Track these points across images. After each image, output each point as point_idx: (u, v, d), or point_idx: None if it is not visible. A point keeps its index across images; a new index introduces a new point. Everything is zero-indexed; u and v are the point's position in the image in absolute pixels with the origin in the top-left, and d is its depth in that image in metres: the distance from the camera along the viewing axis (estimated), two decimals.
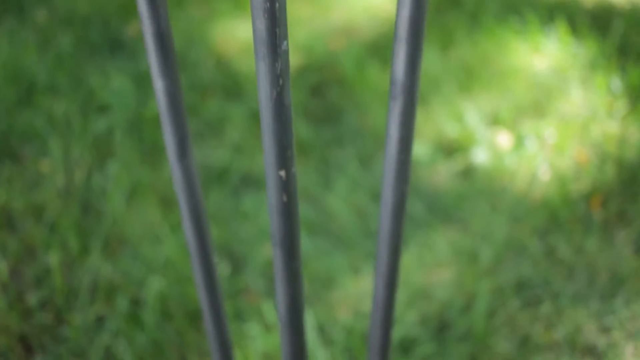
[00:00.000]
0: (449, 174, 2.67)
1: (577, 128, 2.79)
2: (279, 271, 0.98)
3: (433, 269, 2.33)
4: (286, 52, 0.80)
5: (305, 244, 2.38)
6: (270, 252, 2.38)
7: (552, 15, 3.36)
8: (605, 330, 2.14)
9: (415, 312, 2.18)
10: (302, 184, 2.61)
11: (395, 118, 0.93)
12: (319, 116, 2.97)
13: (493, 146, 2.75)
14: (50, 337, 2.13)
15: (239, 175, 2.68)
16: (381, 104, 2.97)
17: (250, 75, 3.15)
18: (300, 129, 2.84)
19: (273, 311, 2.16)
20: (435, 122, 2.87)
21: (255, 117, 2.93)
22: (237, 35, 3.41)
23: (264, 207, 2.53)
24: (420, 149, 2.73)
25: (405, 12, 0.87)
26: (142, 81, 3.08)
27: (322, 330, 2.13)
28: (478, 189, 2.59)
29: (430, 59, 3.16)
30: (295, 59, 3.22)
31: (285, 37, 0.79)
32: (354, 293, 2.26)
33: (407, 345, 2.10)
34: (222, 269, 2.29)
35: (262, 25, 0.77)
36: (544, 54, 3.20)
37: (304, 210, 2.51)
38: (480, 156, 2.71)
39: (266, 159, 0.88)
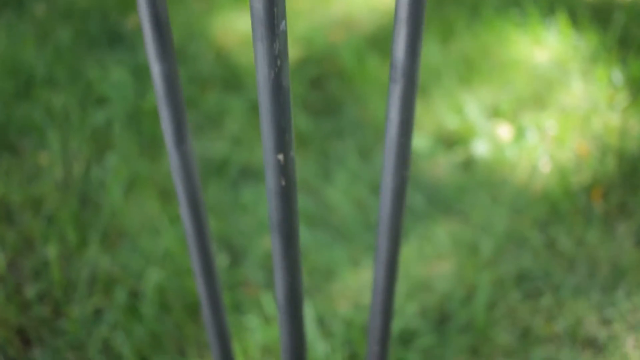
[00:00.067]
0: (449, 166, 2.65)
1: (578, 120, 2.78)
2: (277, 258, 0.97)
3: (433, 260, 2.32)
4: (284, 33, 0.79)
5: (305, 236, 2.37)
6: (269, 244, 2.37)
7: (552, 7, 3.35)
8: (606, 322, 2.13)
9: (416, 304, 2.17)
10: (302, 176, 2.59)
11: (396, 101, 0.92)
12: (318, 108, 2.95)
13: (493, 138, 2.74)
14: (48, 330, 2.11)
15: (238, 167, 2.66)
16: (381, 97, 2.96)
17: (250, 67, 3.14)
18: (300, 121, 2.83)
19: (272, 303, 2.15)
20: (436, 114, 2.86)
21: (254, 109, 2.92)
22: (237, 28, 3.40)
23: (263, 199, 2.52)
24: (420, 141, 2.72)
25: None
26: (141, 74, 3.07)
27: (321, 322, 2.12)
28: (478, 180, 2.58)
29: (430, 51, 3.15)
30: (294, 51, 3.21)
31: (284, 16, 0.78)
32: (353, 285, 2.25)
33: (407, 337, 2.09)
34: (221, 260, 2.28)
35: (259, 4, 0.76)
36: (545, 46, 3.18)
37: (303, 202, 2.50)
38: (480, 148, 2.69)
39: (264, 143, 0.86)
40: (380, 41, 3.28)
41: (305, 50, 3.25)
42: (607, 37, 3.13)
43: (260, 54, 0.79)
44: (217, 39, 3.33)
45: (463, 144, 2.73)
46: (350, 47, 3.23)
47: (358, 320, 2.11)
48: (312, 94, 3.03)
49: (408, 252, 2.32)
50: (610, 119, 2.77)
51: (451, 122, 2.81)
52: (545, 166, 2.62)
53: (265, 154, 0.87)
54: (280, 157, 0.86)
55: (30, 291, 2.20)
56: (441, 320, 2.15)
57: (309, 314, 2.11)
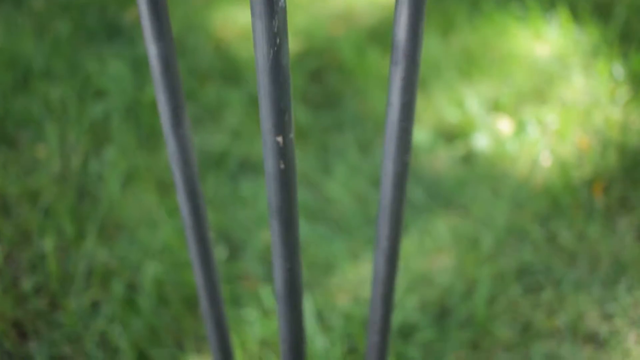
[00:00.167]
0: (449, 160, 2.64)
1: (579, 114, 2.76)
2: (276, 245, 0.95)
3: (434, 254, 2.30)
4: (284, 9, 0.77)
5: (304, 229, 2.35)
6: (268, 237, 2.35)
7: (553, 1, 3.33)
8: (608, 317, 2.11)
9: (416, 297, 2.15)
10: (301, 169, 2.57)
11: (397, 83, 0.90)
12: (318, 102, 2.93)
13: (494, 132, 2.72)
14: (44, 323, 2.10)
15: (237, 160, 2.65)
16: (381, 90, 2.94)
17: (250, 60, 3.12)
18: (300, 114, 2.81)
19: (271, 297, 2.13)
20: (436, 108, 2.84)
21: (254, 102, 2.90)
22: (237, 20, 3.38)
23: (263, 192, 2.50)
24: (420, 134, 2.70)
25: None
26: (140, 67, 3.05)
27: (320, 316, 2.10)
28: (479, 174, 2.56)
29: (430, 45, 3.13)
30: (294, 45, 3.19)
31: None
32: (353, 279, 2.23)
33: (407, 331, 2.07)
34: (220, 253, 2.26)
35: None
36: (545, 41, 3.16)
37: (303, 196, 2.48)
38: (481, 142, 2.68)
39: (263, 124, 0.85)
40: (380, 34, 3.26)
41: (305, 44, 3.23)
42: (608, 31, 3.11)
43: (259, 31, 0.77)
44: (217, 32, 3.31)
45: (463, 138, 2.71)
46: (350, 40, 3.21)
47: (357, 314, 2.09)
48: (311, 87, 3.01)
49: (408, 245, 2.30)
50: (611, 113, 2.75)
51: (451, 116, 2.79)
52: (546, 160, 2.60)
53: (264, 136, 0.85)
54: (280, 139, 0.85)
55: (27, 284, 2.18)
56: (441, 314, 2.13)
57: (308, 308, 2.09)
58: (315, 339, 2.00)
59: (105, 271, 2.22)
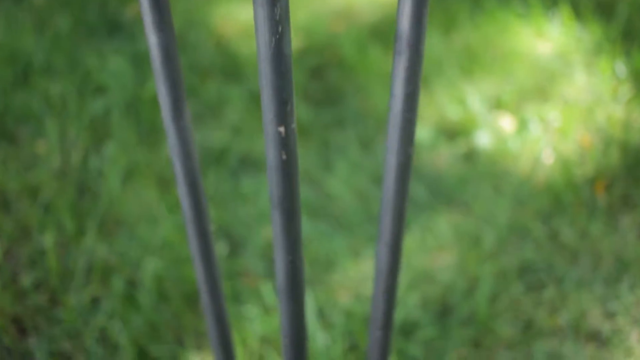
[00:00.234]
0: (451, 157, 2.62)
1: (581, 112, 2.75)
2: (277, 237, 0.94)
3: (435, 252, 2.29)
4: None
5: (305, 226, 2.34)
6: (269, 234, 2.34)
7: None
8: (610, 315, 2.10)
9: (417, 295, 2.14)
10: (302, 166, 2.56)
11: (401, 73, 0.89)
12: (319, 99, 2.92)
13: (496, 129, 2.71)
14: (44, 319, 2.08)
15: (238, 156, 2.63)
16: (382, 87, 2.93)
17: (250, 57, 3.10)
18: (301, 111, 2.80)
19: (272, 293, 2.12)
20: (438, 105, 2.83)
21: (254, 99, 2.89)
22: (238, 17, 3.36)
23: (263, 189, 2.49)
24: (422, 132, 2.69)
25: None
26: (140, 63, 3.03)
27: (321, 313, 2.09)
28: (481, 172, 2.55)
29: (432, 42, 3.12)
30: (295, 41, 3.17)
31: None
32: (354, 276, 2.22)
33: (408, 329, 2.06)
34: (220, 249, 2.25)
35: None
36: (548, 38, 3.15)
37: (304, 192, 2.47)
38: (483, 139, 2.66)
39: (264, 115, 0.83)
40: (381, 31, 3.25)
41: (305, 40, 3.22)
42: (610, 29, 3.10)
43: (261, 19, 0.76)
44: (218, 28, 3.30)
45: (465, 135, 2.70)
46: (351, 37, 3.20)
47: (359, 311, 2.08)
48: (312, 84, 3.00)
49: (410, 243, 2.29)
50: (613, 111, 2.74)
51: (453, 113, 2.78)
52: (548, 158, 2.59)
53: (266, 126, 0.84)
54: (281, 129, 0.83)
55: (27, 280, 2.17)
56: (443, 311, 2.12)
57: (309, 305, 2.08)
58: (316, 336, 1.99)
59: (105, 267, 2.21)
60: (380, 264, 1.04)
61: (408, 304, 2.10)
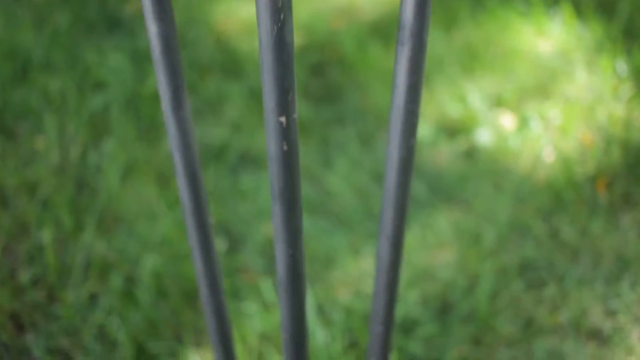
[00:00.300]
0: (451, 155, 2.61)
1: (582, 110, 2.73)
2: (278, 229, 0.93)
3: (435, 249, 2.28)
4: None
5: (305, 223, 2.33)
6: (268, 231, 2.32)
7: None
8: (611, 313, 2.09)
9: (417, 292, 2.13)
10: (302, 163, 2.55)
11: (404, 64, 0.88)
12: (319, 96, 2.91)
13: (496, 127, 2.70)
14: (42, 315, 2.07)
15: (238, 153, 2.62)
16: (382, 84, 2.91)
17: (250, 53, 3.09)
18: (301, 108, 2.79)
19: (272, 290, 2.10)
20: (438, 103, 2.82)
21: (254, 96, 2.88)
22: (238, 14, 3.35)
23: (263, 186, 2.47)
24: (423, 129, 2.68)
25: None
26: (140, 59, 3.02)
27: (321, 310, 2.08)
28: (481, 169, 2.54)
29: (433, 40, 3.11)
30: (295, 38, 3.16)
31: None
32: (354, 273, 2.21)
33: (408, 326, 2.05)
34: (219, 245, 2.24)
35: None
36: (549, 37, 3.14)
37: (303, 189, 2.46)
38: (483, 137, 2.65)
39: (266, 104, 0.82)
40: (382, 29, 3.23)
41: (306, 37, 3.21)
42: (611, 28, 3.09)
43: (263, 6, 0.75)
44: (218, 25, 3.29)
45: (466, 133, 2.69)
46: (351, 34, 3.19)
47: (358, 308, 2.07)
48: (312, 81, 2.98)
49: (410, 240, 2.28)
50: (614, 109, 2.73)
51: (454, 111, 2.77)
52: (549, 156, 2.58)
53: (267, 116, 0.83)
54: (283, 119, 0.82)
55: (25, 276, 2.16)
56: (443, 309, 2.11)
57: (308, 302, 2.06)
58: (316, 333, 1.98)
59: (104, 264, 2.20)
60: (381, 258, 1.03)
61: (408, 301, 2.09)
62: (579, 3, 3.25)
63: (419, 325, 2.05)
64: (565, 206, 2.39)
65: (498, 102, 2.82)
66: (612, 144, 2.58)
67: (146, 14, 0.89)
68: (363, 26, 3.26)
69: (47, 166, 2.51)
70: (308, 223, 2.34)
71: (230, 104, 2.83)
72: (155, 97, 2.81)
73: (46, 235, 2.23)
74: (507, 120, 2.74)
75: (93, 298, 2.12)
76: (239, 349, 1.97)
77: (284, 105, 0.82)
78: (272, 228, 2.23)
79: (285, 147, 0.84)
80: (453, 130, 2.71)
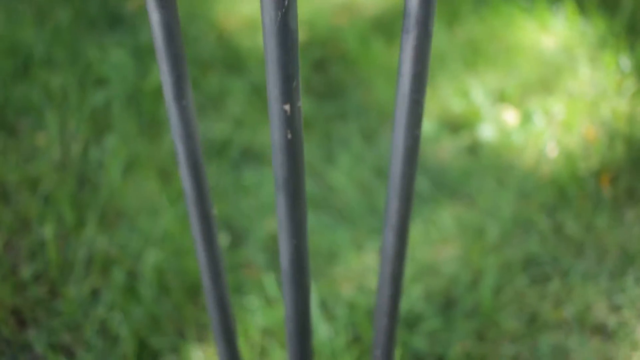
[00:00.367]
0: (454, 150, 2.60)
1: (586, 106, 2.72)
2: (282, 219, 0.92)
3: (439, 244, 2.27)
4: None
5: (308, 218, 2.32)
6: (271, 226, 2.31)
7: None
8: (616, 308, 2.08)
9: (421, 287, 2.12)
10: (305, 158, 2.53)
11: (409, 52, 0.87)
12: (321, 91, 2.90)
13: (499, 122, 2.69)
14: (44, 310, 2.06)
15: (240, 149, 2.61)
16: (385, 80, 2.90)
17: (252, 49, 3.08)
18: (303, 104, 2.78)
19: (274, 285, 2.09)
20: (441, 98, 2.81)
21: (257, 91, 2.87)
22: (240, 10, 3.34)
23: (265, 181, 2.47)
24: (425, 125, 2.67)
25: None
26: (142, 55, 3.01)
27: (324, 305, 2.07)
28: (484, 164, 2.53)
29: (435, 35, 3.09)
30: None
31: None
32: (357, 269, 2.20)
33: (412, 321, 2.04)
34: (222, 240, 2.23)
35: None
36: (552, 33, 3.13)
37: (306, 185, 2.44)
38: (486, 132, 2.64)
39: (270, 92, 0.81)
40: (384, 24, 3.22)
41: (308, 33, 3.19)
42: (614, 24, 3.08)
43: None
44: (219, 21, 3.28)
45: (468, 128, 2.68)
46: (354, 30, 3.18)
47: (362, 303, 2.06)
48: (315, 77, 2.97)
49: (413, 235, 2.27)
50: (618, 104, 2.72)
51: (457, 106, 2.76)
52: (552, 151, 2.56)
53: (271, 104, 0.82)
54: (287, 107, 0.81)
55: (26, 271, 2.15)
56: (447, 304, 2.10)
57: (311, 297, 2.05)
58: (319, 328, 1.97)
59: (106, 259, 2.19)
60: (386, 249, 1.02)
61: (412, 296, 2.08)
62: None
63: (423, 320, 2.04)
64: (569, 201, 2.38)
65: (501, 98, 2.80)
66: (615, 139, 2.57)
67: (148, 1, 0.88)
68: (365, 22, 3.25)
69: (48, 162, 2.50)
70: (311, 218, 2.33)
71: (233, 100, 2.82)
72: (157, 93, 2.80)
73: (48, 231, 2.22)
74: (510, 116, 2.73)
75: (95, 293, 2.12)
76: (241, 344, 1.96)
77: (288, 93, 0.81)
78: (274, 223, 2.23)
79: (289, 136, 0.83)
80: (456, 125, 2.70)
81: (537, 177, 2.47)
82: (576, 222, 2.31)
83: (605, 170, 2.47)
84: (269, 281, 2.11)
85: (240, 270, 2.18)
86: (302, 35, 3.18)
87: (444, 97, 2.81)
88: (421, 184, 2.45)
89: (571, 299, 2.10)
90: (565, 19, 3.15)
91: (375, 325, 1.12)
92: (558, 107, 2.72)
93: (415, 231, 2.28)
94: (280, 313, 2.00)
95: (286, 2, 0.75)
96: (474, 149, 2.61)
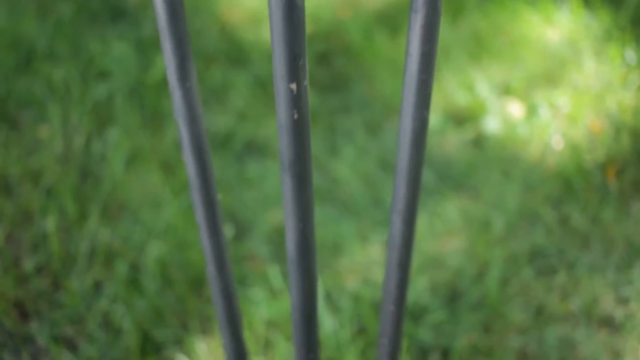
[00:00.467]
0: (460, 143, 2.58)
1: (591, 98, 2.70)
2: (288, 203, 0.90)
3: (444, 236, 2.25)
4: None
5: None
6: (275, 218, 2.30)
7: None
8: (623, 301, 2.06)
9: (426, 279, 2.10)
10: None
11: (417, 32, 0.85)
12: (325, 84, 2.88)
13: (505, 115, 2.67)
14: (46, 303, 2.05)
15: (243, 141, 2.60)
16: (389, 73, 2.89)
17: (256, 43, 3.07)
18: None
19: (279, 276, 2.08)
20: (446, 91, 2.79)
21: (260, 84, 2.85)
22: (243, 3, 3.32)
23: (269, 174, 2.45)
24: (430, 117, 2.64)
25: None
26: (144, 48, 3.00)
27: (329, 297, 2.06)
28: (490, 157, 2.51)
29: (440, 29, 3.07)
30: None
31: None
32: (361, 261, 2.18)
33: (418, 313, 2.02)
34: (226, 231, 2.21)
35: None
36: (556, 26, 3.11)
37: None
38: (491, 125, 2.63)
39: (275, 71, 0.80)
40: (388, 17, 3.21)
41: (312, 26, 3.18)
42: (620, 17, 3.06)
43: None
44: (222, 15, 3.26)
45: (473, 121, 2.66)
46: (357, 23, 3.16)
47: (367, 295, 2.04)
48: (319, 69, 2.96)
49: (419, 227, 2.25)
50: (624, 97, 2.70)
51: (462, 99, 2.74)
52: (558, 143, 2.55)
53: (277, 83, 0.80)
54: (293, 86, 0.80)
55: (29, 264, 2.14)
56: (452, 296, 2.08)
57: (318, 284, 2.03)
58: (325, 320, 1.95)
59: (109, 251, 2.17)
60: (393, 235, 1.00)
61: (417, 288, 2.06)
62: None
63: (428, 312, 2.02)
64: (575, 193, 2.36)
65: (506, 91, 2.79)
66: (621, 132, 2.55)
67: None
68: (369, 15, 3.23)
69: (51, 155, 2.49)
70: (316, 211, 2.30)
71: (236, 93, 2.81)
72: (160, 85, 2.78)
73: (50, 223, 2.21)
74: (516, 109, 2.71)
75: (98, 286, 2.10)
76: (245, 336, 1.94)
77: (295, 72, 0.79)
78: (278, 215, 2.21)
79: (296, 116, 0.82)
80: (461, 118, 2.68)
81: (542, 170, 2.45)
82: (582, 215, 2.30)
83: (611, 162, 2.45)
84: (274, 273, 2.09)
85: (243, 262, 2.16)
86: (306, 28, 3.16)
87: (449, 90, 2.79)
88: (427, 176, 2.43)
89: (578, 291, 2.08)
90: (570, 12, 3.13)
91: (382, 313, 1.10)
92: (563, 100, 2.70)
93: (421, 223, 2.27)
94: (285, 305, 1.98)
95: None
96: (479, 141, 2.59)
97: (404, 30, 3.11)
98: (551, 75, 2.86)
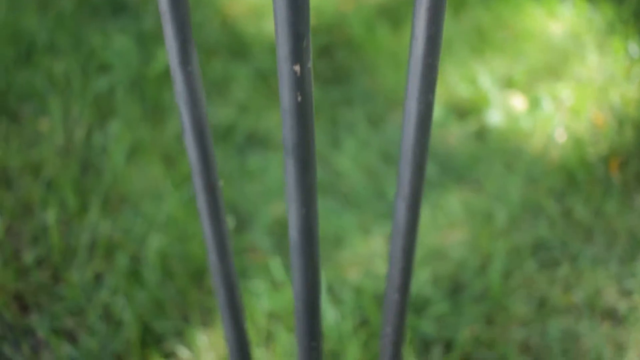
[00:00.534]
0: (462, 135, 2.57)
1: (594, 91, 2.69)
2: (291, 188, 0.89)
3: (447, 229, 2.24)
4: None
5: None
6: (276, 210, 2.29)
7: None
8: (626, 293, 2.05)
9: (429, 271, 2.09)
10: None
11: (422, 14, 0.84)
12: (327, 77, 2.87)
13: (507, 108, 2.66)
14: (46, 295, 2.04)
15: (245, 134, 2.58)
16: (391, 66, 2.87)
17: (257, 35, 3.05)
18: None
19: (281, 268, 2.07)
20: (448, 84, 2.78)
21: (261, 77, 2.84)
22: None
23: (270, 166, 2.44)
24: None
25: None
26: (145, 41, 2.98)
27: (331, 289, 2.04)
28: (492, 149, 2.50)
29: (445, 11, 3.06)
30: None
31: None
32: (363, 253, 2.17)
33: (420, 305, 2.01)
34: (227, 223, 2.20)
35: None
36: (559, 19, 3.10)
37: None
38: (494, 117, 2.61)
39: (279, 52, 0.78)
40: (390, 10, 3.19)
41: (314, 19, 3.16)
42: (623, 10, 3.04)
43: None
44: (224, 8, 3.25)
45: (476, 114, 2.65)
46: (359, 16, 3.14)
47: (368, 287, 2.03)
48: (321, 62, 2.94)
49: (421, 220, 2.24)
50: (627, 90, 2.69)
51: (464, 92, 2.73)
52: (560, 136, 2.53)
53: (280, 65, 0.79)
54: (297, 68, 0.78)
55: (29, 256, 2.12)
56: (455, 288, 2.07)
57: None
58: (327, 312, 1.94)
59: (109, 244, 2.16)
60: (398, 221, 0.99)
61: (420, 280, 2.05)
62: None
63: (431, 304, 2.01)
64: (578, 186, 2.35)
65: (509, 84, 2.77)
66: (624, 124, 2.54)
67: None
68: (371, 8, 3.21)
69: (51, 147, 2.47)
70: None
71: (237, 85, 2.80)
72: (161, 78, 2.77)
73: (50, 216, 2.20)
74: (518, 101, 2.70)
75: (98, 278, 2.09)
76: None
77: (299, 53, 0.78)
78: (279, 208, 2.20)
79: (299, 98, 0.80)
80: (464, 111, 2.67)
81: (545, 163, 2.44)
82: (585, 207, 2.28)
83: (614, 155, 2.44)
84: (275, 265, 2.08)
85: (245, 254, 2.15)
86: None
87: (451, 83, 2.78)
88: (429, 169, 2.42)
89: (581, 283, 2.07)
90: (573, 5, 3.12)
91: (386, 302, 1.09)
92: (566, 92, 2.69)
93: (423, 216, 2.26)
94: (287, 297, 1.97)
95: None
96: (482, 134, 2.58)
97: (406, 23, 3.10)
98: (554, 68, 2.85)
